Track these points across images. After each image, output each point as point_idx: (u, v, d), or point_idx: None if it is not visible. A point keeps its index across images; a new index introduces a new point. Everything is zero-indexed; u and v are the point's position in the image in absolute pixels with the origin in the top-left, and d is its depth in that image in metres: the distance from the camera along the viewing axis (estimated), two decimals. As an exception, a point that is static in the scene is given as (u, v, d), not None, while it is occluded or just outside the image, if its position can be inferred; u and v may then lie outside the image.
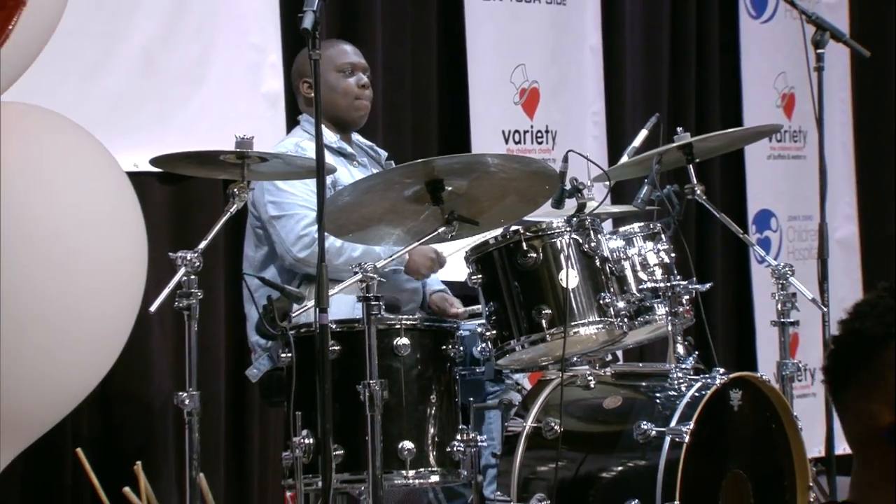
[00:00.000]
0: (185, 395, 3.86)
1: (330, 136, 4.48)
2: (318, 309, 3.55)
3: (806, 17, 4.94)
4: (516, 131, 6.03)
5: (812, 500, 4.06)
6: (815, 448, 4.25)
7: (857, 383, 1.85)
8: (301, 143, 4.54)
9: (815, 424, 4.69)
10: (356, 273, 3.83)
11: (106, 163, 3.47)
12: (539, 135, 6.09)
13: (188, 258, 3.77)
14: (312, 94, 4.05)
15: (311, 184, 4.29)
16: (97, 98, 4.78)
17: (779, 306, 4.50)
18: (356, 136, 4.80)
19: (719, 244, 6.58)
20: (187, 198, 5.06)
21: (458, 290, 4.58)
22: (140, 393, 4.92)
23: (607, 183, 4.46)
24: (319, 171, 3.62)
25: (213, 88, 5.19)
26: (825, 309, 4.67)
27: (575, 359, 4.00)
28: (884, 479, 1.83)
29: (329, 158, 4.05)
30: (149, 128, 4.88)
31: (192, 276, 3.79)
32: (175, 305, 3.79)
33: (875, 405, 1.82)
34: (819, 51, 4.93)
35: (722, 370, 3.95)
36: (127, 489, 4.41)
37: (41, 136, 3.31)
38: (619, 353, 4.29)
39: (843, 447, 4.86)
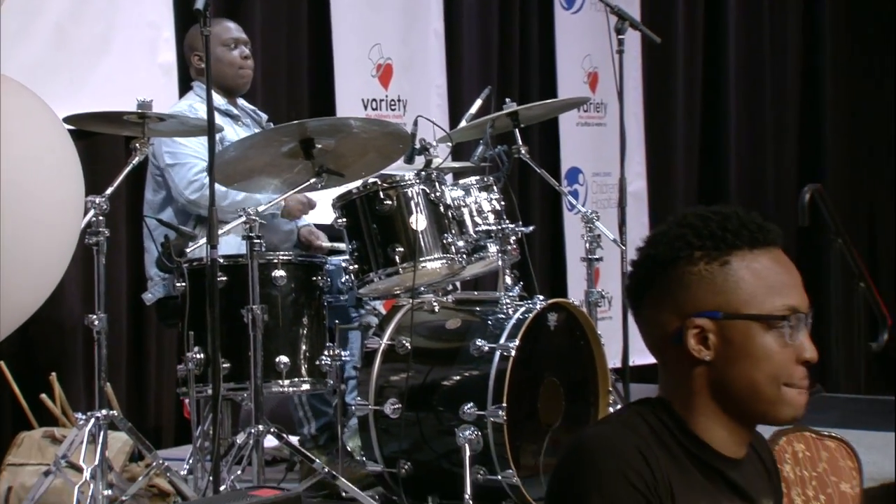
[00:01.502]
0: (95, 317, 3.83)
1: (218, 100, 4.41)
2: (209, 246, 3.52)
3: (610, 9, 4.99)
4: (373, 100, 6.00)
5: (611, 401, 4.11)
6: (613, 360, 4.32)
7: (651, 298, 1.86)
8: (194, 105, 4.48)
9: (613, 341, 4.76)
10: (241, 216, 3.80)
11: (52, 116, 3.37)
12: (392, 103, 6.08)
13: (97, 202, 3.73)
14: (203, 65, 4.07)
15: (202, 139, 4.27)
16: (17, 67, 4.62)
17: (587, 245, 4.56)
18: (240, 101, 4.73)
19: (538, 195, 6.65)
20: (95, 151, 4.94)
21: (327, 231, 4.55)
22: (54, 316, 4.81)
23: (449, 144, 4.47)
24: (210, 128, 3.58)
25: (116, 59, 5.10)
26: (623, 248, 4.76)
27: (422, 288, 3.99)
28: (680, 377, 1.84)
29: (218, 119, 4.02)
30: (62, 93, 4.71)
31: (100, 217, 3.76)
32: (85, 242, 3.74)
33: (665, 315, 1.83)
34: (620, 37, 5.00)
35: (541, 297, 3.97)
36: (44, 396, 4.35)
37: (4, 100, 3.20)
38: (458, 284, 4.29)
39: (635, 360, 4.98)
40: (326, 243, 4.52)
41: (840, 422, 5.05)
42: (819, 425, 3.55)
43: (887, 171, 9.06)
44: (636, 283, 1.88)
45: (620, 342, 4.78)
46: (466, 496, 3.57)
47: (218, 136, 3.95)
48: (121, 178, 3.93)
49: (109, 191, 3.83)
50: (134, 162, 3.94)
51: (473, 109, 4.58)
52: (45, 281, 3.26)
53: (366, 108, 5.91)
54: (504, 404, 3.69)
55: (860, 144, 8.80)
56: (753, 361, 1.78)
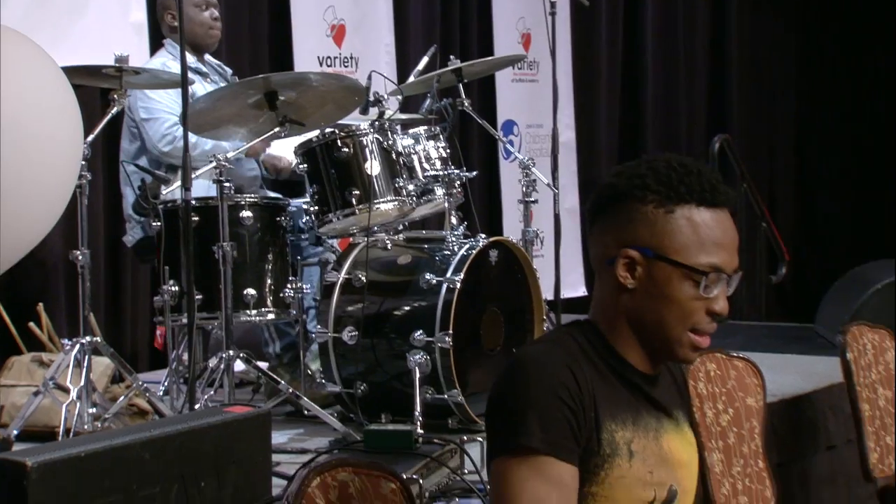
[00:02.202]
0: (79, 252, 3.81)
1: (189, 57, 4.33)
2: (183, 188, 3.51)
3: (542, -24, 5.00)
4: (328, 57, 5.95)
5: (545, 328, 4.15)
6: (547, 292, 4.35)
7: (602, 221, 1.89)
8: (166, 62, 4.42)
9: (547, 276, 4.78)
10: (212, 162, 3.79)
11: (52, 63, 3.32)
12: (345, 60, 6.03)
13: (79, 148, 3.68)
14: (175, 23, 4.07)
15: (173, 93, 4.26)
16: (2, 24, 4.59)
17: (523, 189, 4.57)
18: (208, 58, 4.68)
19: (477, 144, 6.63)
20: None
21: (289, 176, 4.53)
22: (39, 253, 4.75)
23: (399, 97, 4.45)
24: (184, 83, 3.57)
25: (92, 19, 5.02)
26: (556, 191, 4.78)
27: (376, 227, 3.97)
28: (608, 300, 1.88)
29: (188, 74, 3.96)
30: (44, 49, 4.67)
31: (82, 162, 3.66)
32: (68, 185, 3.70)
33: (608, 238, 1.87)
34: (551, 0, 5.01)
35: (483, 236, 3.98)
36: (31, 324, 4.33)
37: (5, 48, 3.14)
38: (408, 223, 4.30)
39: (565, 293, 5.03)
40: (289, 162, 4.47)
41: (744, 345, 5.15)
42: (726, 348, 3.63)
43: (785, 124, 9.18)
44: (595, 205, 1.91)
45: (553, 276, 4.82)
46: (416, 413, 3.59)
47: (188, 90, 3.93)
48: (101, 126, 3.89)
49: (90, 138, 3.77)
50: (113, 111, 3.90)
51: (421, 66, 4.58)
52: (48, 214, 3.22)
53: (321, 65, 5.86)
54: (450, 331, 3.70)
55: (761, 100, 8.89)
56: (667, 302, 1.82)
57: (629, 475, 1.79)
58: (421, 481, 2.57)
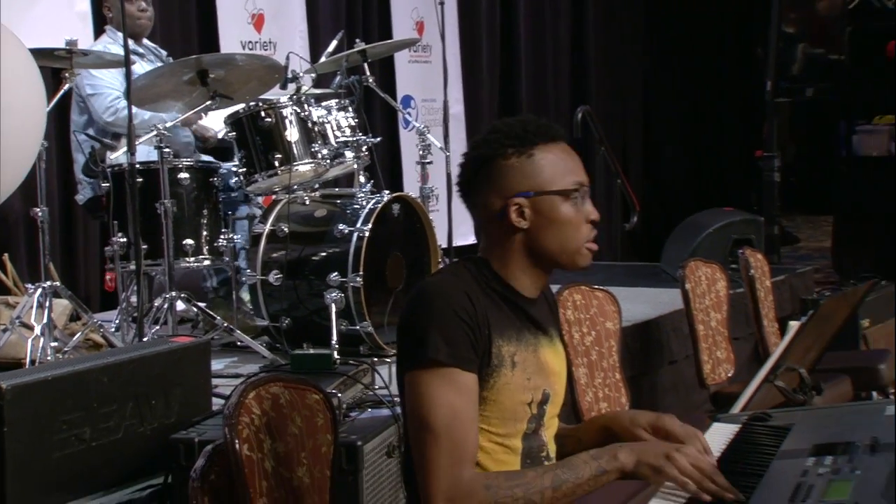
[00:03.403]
0: (39, 209, 3.74)
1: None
2: (128, 153, 3.46)
3: (432, -29, 4.97)
4: (249, 42, 5.84)
5: (441, 271, 4.18)
6: (442, 240, 4.38)
7: (478, 187, 1.90)
8: (108, 46, 4.33)
9: (441, 226, 4.79)
10: (153, 131, 3.73)
11: (17, 41, 3.23)
12: (265, 45, 5.93)
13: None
14: (111, 14, 4.06)
15: (115, 72, 4.18)
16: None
17: (420, 152, 4.59)
18: (145, 41, 4.58)
19: (379, 115, 6.58)
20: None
21: (216, 144, 4.47)
22: (2, 210, 4.65)
23: (313, 75, 4.41)
24: (127, 64, 3.52)
25: (43, 9, 4.89)
26: (448, 154, 4.81)
27: (296, 186, 3.96)
28: (502, 242, 1.90)
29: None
30: (1, 34, 4.53)
31: (39, 132, 3.62)
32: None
33: (491, 198, 1.88)
34: (442, -8, 5.01)
35: (387, 192, 3.98)
36: (-2, 272, 4.25)
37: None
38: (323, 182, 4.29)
39: (457, 241, 5.06)
40: (215, 133, 4.42)
41: (604, 282, 5.18)
42: (590, 283, 3.71)
43: (634, 97, 9.33)
44: (465, 178, 1.92)
45: (446, 227, 4.84)
46: (333, 342, 3.61)
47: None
48: (55, 100, 3.82)
49: (46, 110, 3.70)
50: (66, 88, 3.83)
51: (330, 48, 4.53)
52: (17, 173, 3.16)
53: (244, 48, 5.75)
54: (361, 273, 3.73)
55: (615, 77, 8.98)
56: (559, 225, 1.86)
57: (512, 382, 1.83)
58: (339, 395, 2.59)
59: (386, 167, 6.58)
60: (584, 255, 1.89)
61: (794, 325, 2.50)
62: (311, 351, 3.45)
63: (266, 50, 5.89)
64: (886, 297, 5.34)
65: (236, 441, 1.82)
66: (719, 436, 2.09)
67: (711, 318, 4.05)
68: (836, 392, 3.61)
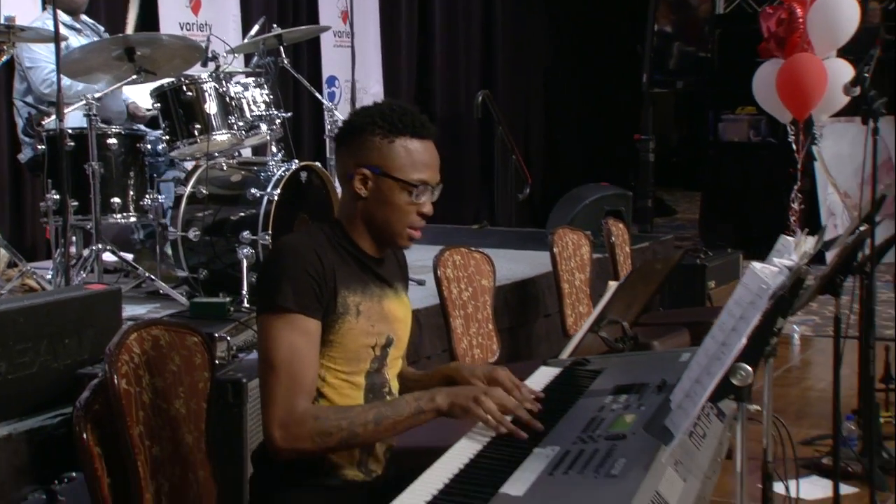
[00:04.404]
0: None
1: (65, 18, 4.19)
2: (57, 119, 3.41)
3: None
4: (187, 23, 5.76)
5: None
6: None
7: (344, 147, 1.92)
8: (46, 22, 4.21)
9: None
10: (83, 100, 3.68)
11: None
12: (201, 27, 5.82)
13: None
14: None
15: (52, 47, 4.07)
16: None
17: (328, 126, 4.57)
18: (83, 17, 4.47)
19: (307, 95, 6.48)
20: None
21: (144, 122, 4.42)
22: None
23: (235, 55, 4.38)
24: (56, 38, 3.45)
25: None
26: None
27: (216, 154, 3.92)
28: (349, 205, 1.93)
29: (64, 31, 3.86)
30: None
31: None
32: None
33: (348, 160, 1.91)
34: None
35: (296, 161, 3.95)
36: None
37: None
38: (241, 152, 4.26)
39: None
40: (146, 112, 4.36)
41: (498, 244, 5.30)
42: (486, 247, 3.75)
43: (537, 87, 9.39)
44: (340, 135, 1.94)
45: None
46: (243, 292, 3.62)
47: (64, 44, 3.79)
48: (-6, 71, 3.76)
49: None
50: (4, 59, 3.74)
51: (252, 32, 4.49)
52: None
53: (182, 29, 5.66)
54: (270, 232, 3.71)
55: (520, 64, 9.03)
56: (390, 207, 1.89)
57: (356, 328, 1.87)
58: (229, 338, 2.62)
59: (312, 141, 6.56)
60: (405, 238, 1.92)
61: (613, 285, 2.58)
62: (210, 299, 3.45)
63: (202, 31, 5.80)
64: (731, 262, 5.51)
65: (115, 376, 1.84)
66: (544, 377, 2.17)
67: (576, 278, 4.14)
68: (674, 342, 3.72)
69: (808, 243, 1.80)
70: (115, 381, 1.83)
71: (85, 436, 1.80)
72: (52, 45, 3.97)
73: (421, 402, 1.79)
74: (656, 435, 1.60)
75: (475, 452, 1.70)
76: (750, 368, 1.52)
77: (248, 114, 3.95)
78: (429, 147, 1.91)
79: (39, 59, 4.16)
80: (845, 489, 3.35)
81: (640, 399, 1.89)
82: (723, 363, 1.53)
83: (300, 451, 1.75)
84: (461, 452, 1.69)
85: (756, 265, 1.58)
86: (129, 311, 3.40)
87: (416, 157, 1.89)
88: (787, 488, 1.90)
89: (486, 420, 1.75)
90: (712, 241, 7.13)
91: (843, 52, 6.26)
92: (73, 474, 2.37)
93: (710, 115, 8.32)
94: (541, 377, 2.17)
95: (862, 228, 2.71)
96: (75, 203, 3.71)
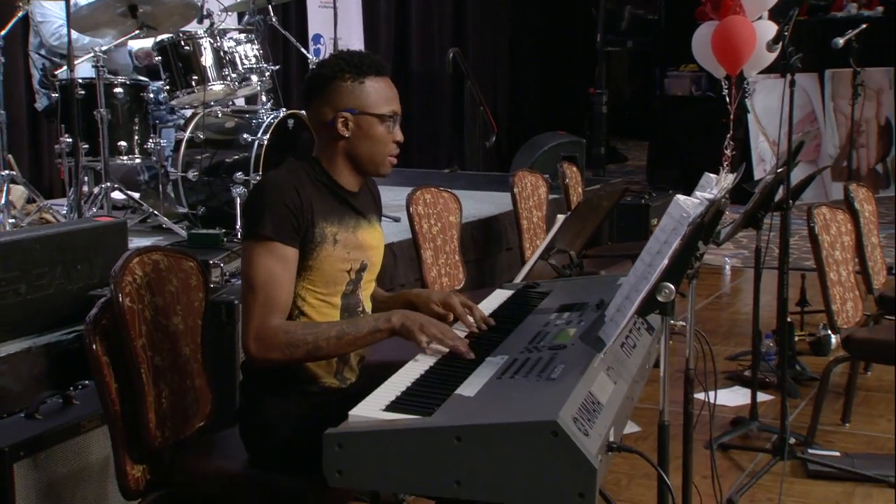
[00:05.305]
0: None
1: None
2: (69, 70, 3.36)
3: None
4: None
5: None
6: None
7: (317, 98, 1.90)
8: None
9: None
10: (90, 52, 3.62)
11: None
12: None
13: (-6, 40, 3.46)
14: None
15: (62, 4, 3.98)
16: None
17: (306, 80, 4.49)
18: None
19: (294, 51, 6.38)
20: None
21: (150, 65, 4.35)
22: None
23: (228, 13, 4.29)
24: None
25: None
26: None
27: (212, 103, 3.90)
28: (329, 146, 1.91)
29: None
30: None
31: (-1, 51, 3.49)
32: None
33: (325, 109, 1.89)
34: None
35: (284, 109, 3.92)
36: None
37: None
38: (236, 101, 4.22)
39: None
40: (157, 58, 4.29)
41: (466, 186, 5.31)
42: (456, 189, 3.74)
43: (503, 45, 9.29)
44: (309, 88, 1.92)
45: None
46: (237, 226, 3.61)
47: (73, 1, 3.71)
48: (10, 25, 3.69)
49: (4, 32, 3.66)
50: (19, 15, 3.71)
51: (246, -10, 4.42)
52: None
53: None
54: (260, 172, 3.70)
55: (490, 27, 8.93)
56: (372, 140, 1.89)
57: (333, 255, 1.88)
58: (222, 265, 2.63)
59: (299, 92, 6.47)
60: (387, 165, 1.93)
61: (561, 217, 2.61)
62: (206, 230, 3.45)
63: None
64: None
65: (120, 295, 1.86)
66: (498, 298, 2.21)
67: (534, 216, 4.16)
68: (617, 271, 3.76)
69: (728, 179, 1.83)
70: (120, 298, 1.85)
71: (94, 346, 1.83)
72: (62, 2, 3.91)
73: (378, 322, 1.82)
74: (591, 344, 1.64)
75: (434, 362, 1.74)
76: (672, 287, 1.56)
77: (240, 67, 3.92)
78: (389, 82, 1.92)
79: (50, 15, 4.08)
80: (762, 397, 3.47)
81: (581, 315, 1.93)
82: (649, 282, 1.57)
83: (272, 361, 1.78)
84: (422, 363, 1.73)
85: (680, 197, 1.61)
86: (136, 242, 3.39)
87: (384, 93, 1.89)
88: (707, 395, 1.96)
89: (421, 344, 1.78)
90: (658, 185, 7.18)
91: (774, 15, 6.24)
92: (86, 382, 2.40)
93: (657, 72, 8.29)
94: (496, 298, 2.21)
95: (780, 170, 2.75)
96: (86, 146, 3.69)
